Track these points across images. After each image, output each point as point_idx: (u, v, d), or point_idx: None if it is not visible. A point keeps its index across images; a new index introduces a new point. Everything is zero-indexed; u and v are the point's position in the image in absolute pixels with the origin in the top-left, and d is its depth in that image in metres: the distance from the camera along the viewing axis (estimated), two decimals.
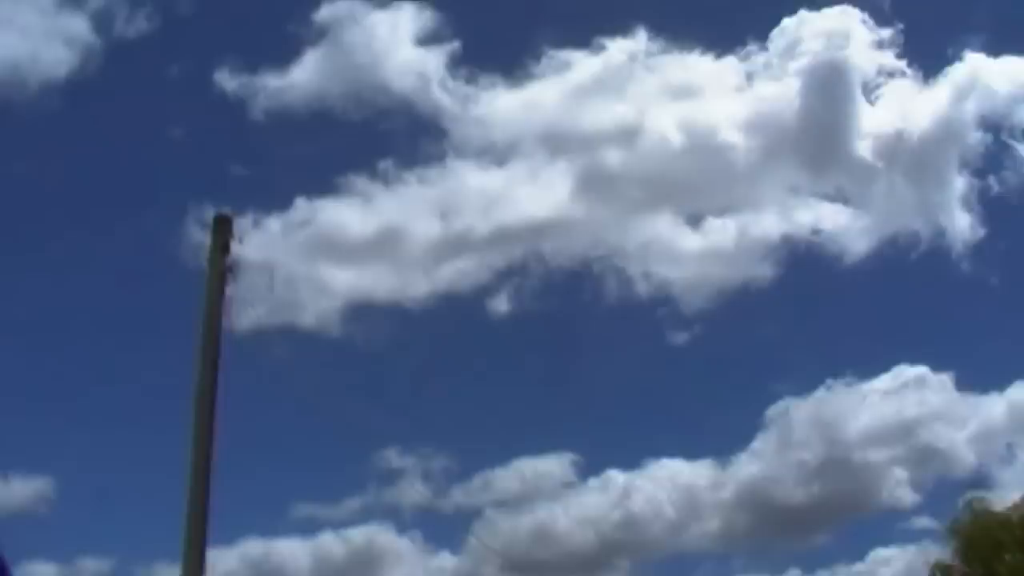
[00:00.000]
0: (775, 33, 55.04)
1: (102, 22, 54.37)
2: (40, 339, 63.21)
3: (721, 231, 62.14)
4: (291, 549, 68.97)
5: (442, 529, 75.53)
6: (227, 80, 55.35)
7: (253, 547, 64.80)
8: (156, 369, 50.40)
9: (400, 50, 60.65)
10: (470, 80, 58.74)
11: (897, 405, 58.07)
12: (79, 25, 55.44)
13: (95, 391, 64.83)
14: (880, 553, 70.63)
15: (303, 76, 57.29)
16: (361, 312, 62.67)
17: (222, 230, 14.93)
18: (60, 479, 62.32)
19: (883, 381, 61.54)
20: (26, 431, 63.56)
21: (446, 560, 68.43)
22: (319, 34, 62.66)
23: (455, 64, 59.51)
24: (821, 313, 65.81)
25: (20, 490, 66.46)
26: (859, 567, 72.36)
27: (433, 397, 67.05)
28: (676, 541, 73.78)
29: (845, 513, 70.31)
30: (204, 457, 17.04)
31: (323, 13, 57.17)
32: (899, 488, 61.84)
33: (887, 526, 75.85)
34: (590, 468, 75.52)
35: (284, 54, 60.51)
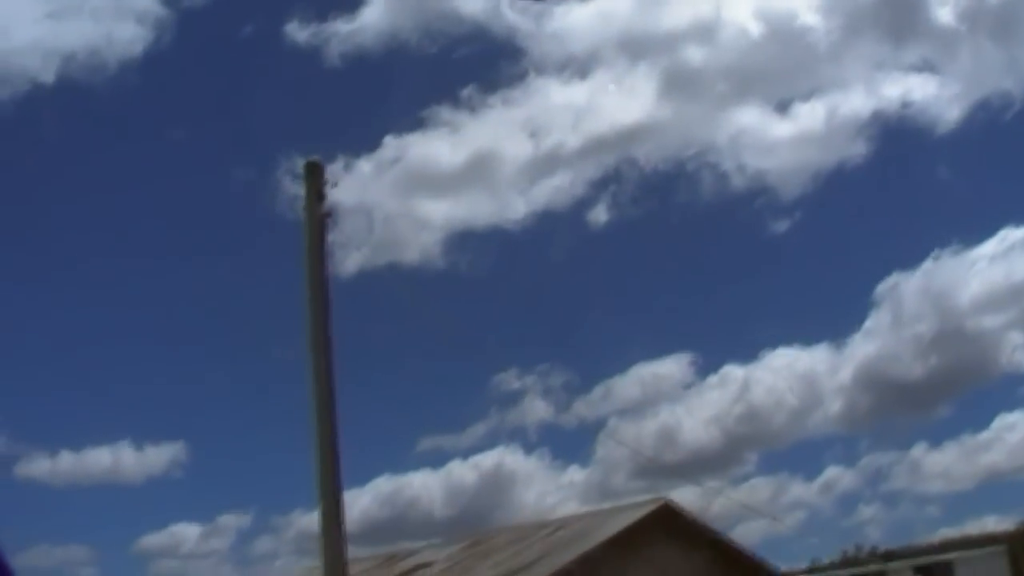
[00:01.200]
0: None
1: None
2: (155, 309, 64.92)
3: (810, 115, 61.29)
4: (423, 481, 70.27)
5: (569, 444, 76.21)
6: (298, 32, 55.77)
7: (386, 484, 66.25)
8: (270, 324, 51.57)
9: None
10: None
11: (1006, 269, 57.25)
12: (146, 2, 56.24)
13: (214, 354, 66.46)
14: (1005, 419, 69.85)
15: (373, 16, 57.47)
16: (462, 241, 63.12)
17: (314, 177, 14.92)
18: (192, 443, 64.34)
19: (990, 246, 60.63)
20: (152, 400, 65.58)
21: (576, 474, 69.38)
22: None
23: None
24: (919, 186, 64.67)
25: (156, 457, 68.63)
26: (985, 435, 71.73)
27: (544, 315, 67.55)
28: (800, 428, 73.80)
29: (965, 383, 69.62)
30: (326, 402, 17.27)
31: None
32: (1018, 352, 61.10)
33: (1009, 391, 74.94)
34: (708, 366, 75.52)
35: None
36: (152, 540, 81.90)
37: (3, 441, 68.99)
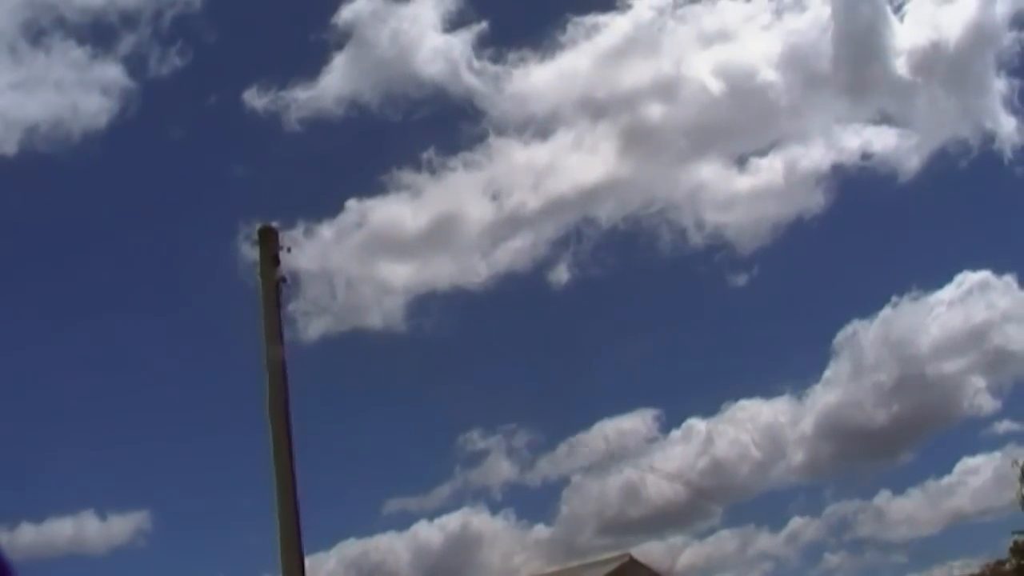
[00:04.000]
0: None
1: (135, 66, 55.23)
2: (116, 377, 64.36)
3: (769, 169, 61.88)
4: (388, 544, 69.55)
5: (534, 503, 75.66)
6: (256, 98, 55.90)
7: (351, 547, 65.49)
8: (233, 392, 51.23)
9: (426, 39, 60.76)
10: (500, 59, 58.72)
11: (965, 313, 57.73)
12: (113, 72, 56.31)
13: (177, 422, 65.81)
14: (967, 463, 69.69)
15: (334, 81, 57.57)
16: (425, 304, 63.06)
17: (269, 242, 14.98)
18: (156, 511, 63.53)
19: (948, 291, 61.27)
20: (116, 469, 64.79)
21: (541, 532, 68.95)
22: (343, 37, 62.98)
23: (483, 45, 59.46)
24: (878, 234, 65.28)
25: (120, 526, 67.66)
26: (948, 479, 71.62)
27: (507, 375, 67.40)
28: (765, 480, 73.73)
29: (927, 428, 69.72)
30: (286, 468, 17.19)
31: (344, 15, 57.64)
32: (978, 396, 61.27)
33: (971, 435, 74.74)
34: (670, 420, 75.53)
35: (313, 63, 61.05)
36: None
37: None
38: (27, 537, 62.59)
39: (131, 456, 66.51)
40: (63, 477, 65.13)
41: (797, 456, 72.35)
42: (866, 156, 57.94)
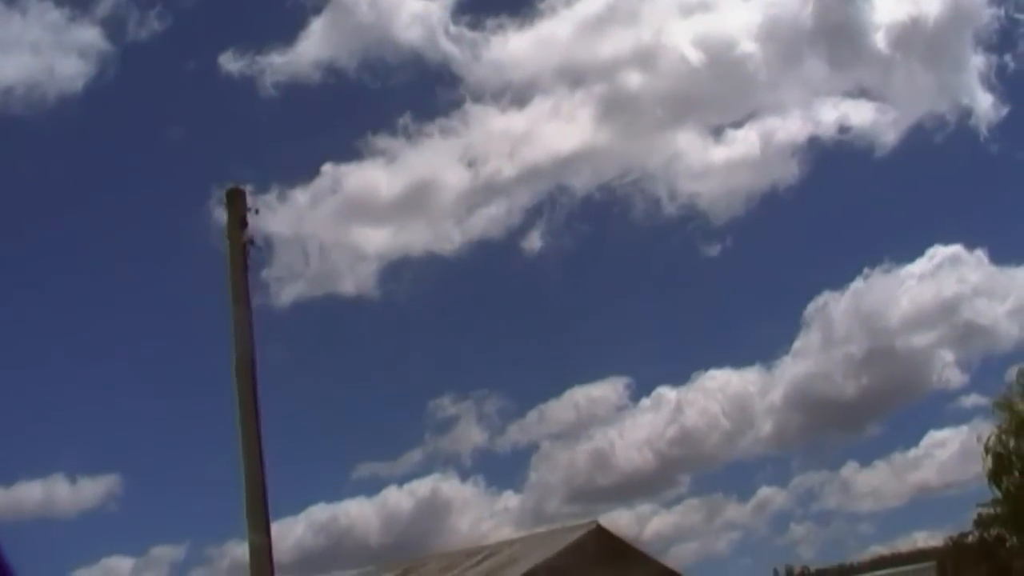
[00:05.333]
0: None
1: (112, 29, 54.66)
2: (88, 340, 64.04)
3: (745, 140, 61.99)
4: (358, 509, 69.80)
5: (503, 470, 76.16)
6: (232, 62, 55.48)
7: (320, 512, 65.72)
8: (203, 355, 51.05)
9: (404, 5, 60.47)
10: (478, 25, 58.57)
11: (935, 287, 58.10)
12: (90, 35, 55.76)
13: (147, 385, 65.68)
14: (934, 436, 70.63)
15: (310, 46, 57.25)
16: (398, 270, 63.01)
17: (236, 204, 14.81)
18: (126, 475, 63.43)
19: (919, 264, 61.67)
20: (86, 432, 64.62)
21: (511, 499, 69.35)
22: (321, 1, 62.55)
23: (461, 11, 59.43)
24: (852, 207, 65.63)
25: (90, 489, 67.51)
26: (915, 452, 72.45)
27: (479, 342, 67.57)
28: (733, 449, 74.30)
29: (895, 401, 70.54)
30: (252, 432, 17.08)
31: None
32: (946, 370, 61.83)
33: (938, 409, 75.98)
34: (641, 388, 76.00)
35: (289, 27, 60.64)
36: (85, 574, 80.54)
37: None
38: None
39: (101, 419, 66.29)
40: (33, 440, 64.90)
41: (765, 426, 72.75)
42: (843, 129, 58.04)
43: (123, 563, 79.72)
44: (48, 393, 68.05)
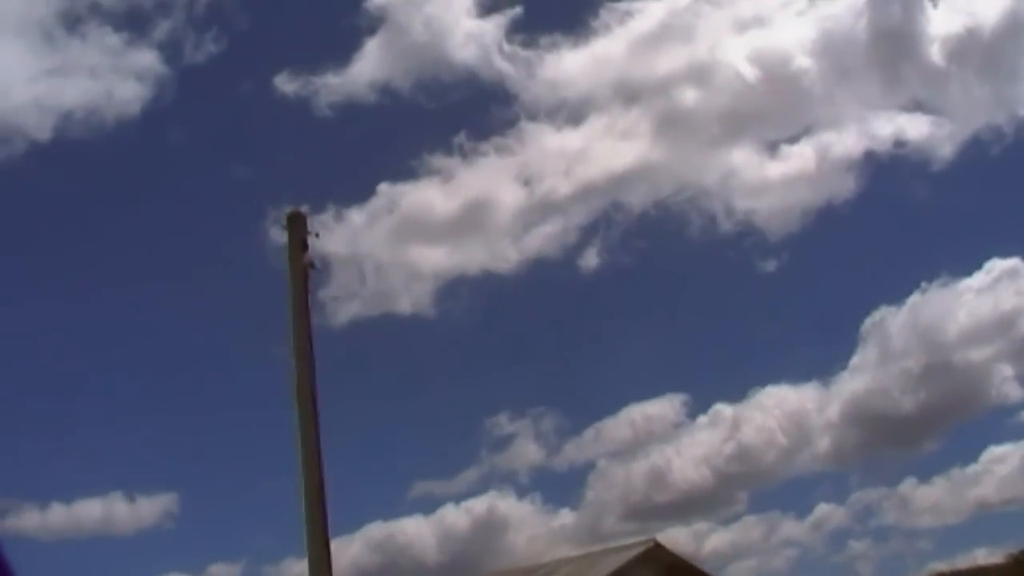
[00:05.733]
0: None
1: (170, 52, 55.50)
2: (147, 360, 64.88)
3: (801, 155, 61.72)
4: (415, 527, 69.99)
5: (560, 487, 75.99)
6: (287, 83, 56.16)
7: (377, 530, 65.99)
8: (262, 376, 51.59)
9: (459, 24, 60.77)
10: (532, 44, 58.70)
11: (993, 300, 57.40)
12: (148, 58, 56.67)
13: (206, 404, 66.37)
14: (993, 451, 69.49)
15: (365, 66, 57.75)
16: (455, 289, 63.25)
17: (297, 227, 15.07)
18: (184, 493, 64.06)
19: (977, 278, 60.95)
20: (145, 451, 65.36)
21: (567, 517, 69.20)
22: (376, 22, 63.10)
23: (515, 30, 59.51)
24: (908, 221, 64.97)
25: (148, 508, 68.21)
26: (974, 468, 71.42)
27: (535, 360, 67.64)
28: (790, 466, 73.63)
29: (953, 416, 69.51)
30: (312, 449, 17.32)
31: (376, 1, 57.77)
32: (1005, 384, 60.92)
33: (997, 424, 74.70)
34: (697, 405, 75.61)
35: (344, 48, 61.30)
36: None
37: None
38: (57, 518, 63.21)
39: (160, 439, 66.95)
40: (93, 458, 65.78)
41: (823, 443, 72.08)
42: (899, 143, 57.67)
43: None
44: (109, 412, 68.91)
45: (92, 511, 69.71)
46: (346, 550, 65.73)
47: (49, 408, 67.75)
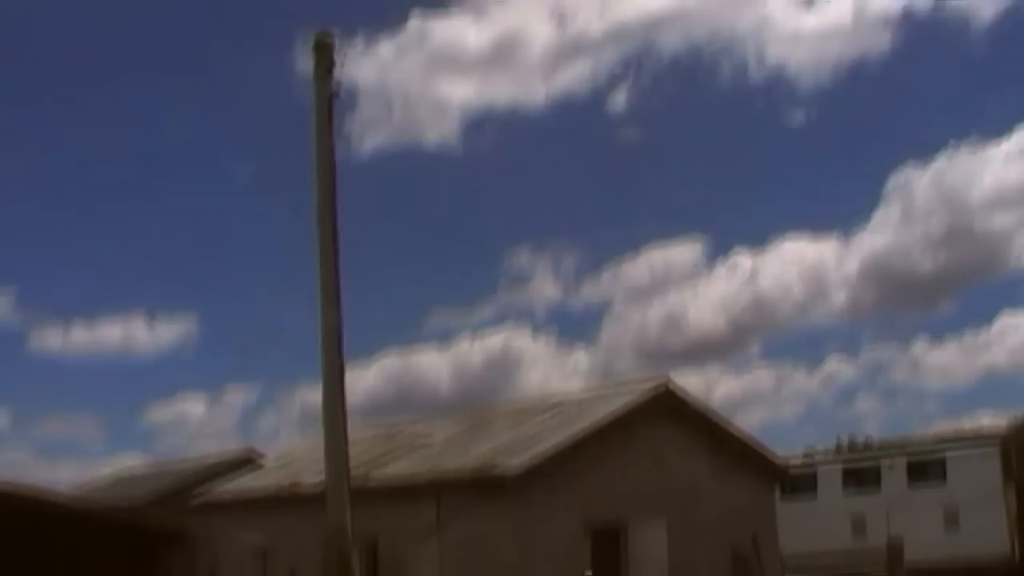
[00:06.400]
0: None
1: None
2: (172, 183, 65.13)
3: (837, 9, 60.68)
4: (429, 359, 71.14)
5: (575, 326, 76.91)
6: None
7: (392, 360, 67.15)
8: (282, 202, 51.85)
9: None
10: None
11: (1022, 168, 57.08)
12: None
13: (229, 228, 66.81)
14: (1008, 318, 70.48)
15: None
16: (482, 123, 63.10)
17: (324, 53, 14.86)
18: (204, 314, 65.10)
19: (1007, 144, 60.50)
20: (166, 272, 66.07)
21: (581, 356, 70.35)
22: None
23: None
24: (941, 81, 63.98)
25: (167, 329, 69.28)
26: (987, 333, 72.26)
27: (559, 197, 67.68)
28: (805, 318, 74.48)
29: (971, 280, 69.76)
30: (331, 275, 17.43)
31: None
32: None
33: (1014, 291, 75.36)
34: (717, 251, 76.00)
35: None
36: (159, 411, 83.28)
37: (17, 314, 69.74)
38: (79, 337, 64.42)
39: (182, 260, 67.80)
40: (115, 277, 66.70)
41: (839, 297, 72.48)
42: (939, 2, 56.68)
43: (196, 401, 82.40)
44: (132, 231, 69.61)
45: (113, 331, 71.15)
46: (361, 378, 66.83)
47: (73, 225, 68.47)
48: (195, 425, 73.85)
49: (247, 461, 28.65)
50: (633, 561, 18.50)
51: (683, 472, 20.32)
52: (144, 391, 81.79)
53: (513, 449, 18.70)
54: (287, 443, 32.31)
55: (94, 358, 68.62)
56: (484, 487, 17.71)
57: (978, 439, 38.76)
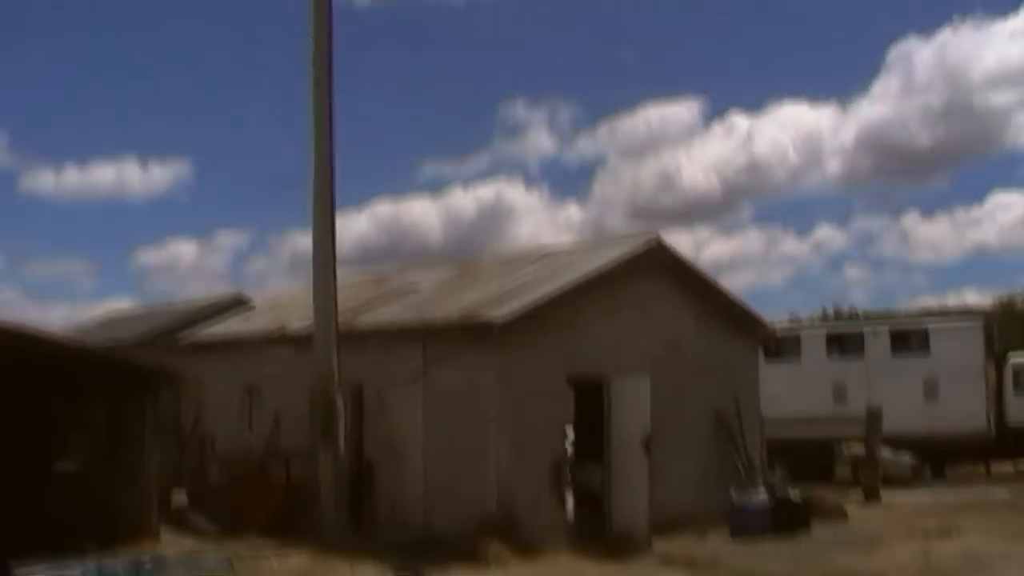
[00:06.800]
0: None
1: None
2: (166, 26, 64.14)
3: None
4: (421, 209, 71.12)
5: (568, 180, 76.91)
6: None
7: (384, 208, 67.01)
8: (280, 45, 51.27)
9: None
10: None
11: None
12: None
13: (224, 72, 66.11)
14: (1000, 197, 70.82)
15: None
16: None
17: None
18: (197, 159, 64.85)
19: (1013, 21, 59.86)
20: (161, 115, 65.47)
21: (572, 211, 70.43)
22: None
23: None
24: None
25: (160, 173, 68.92)
26: (977, 211, 72.59)
27: (559, 49, 67.21)
28: (798, 184, 74.54)
29: (967, 157, 69.99)
30: (325, 121, 17.32)
31: None
32: (1023, 133, 61.22)
33: (1008, 170, 75.63)
34: (714, 111, 75.55)
35: None
36: (150, 255, 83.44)
37: (9, 156, 69.42)
38: (71, 180, 64.08)
39: (176, 103, 67.34)
40: (109, 120, 66.14)
41: (833, 165, 72.55)
42: None
43: (187, 245, 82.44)
44: (127, 73, 68.92)
45: (105, 174, 70.87)
46: (353, 225, 66.76)
47: (65, 67, 67.75)
48: (185, 269, 74.28)
49: (236, 304, 28.72)
50: (616, 413, 18.72)
51: (669, 329, 20.46)
52: (135, 235, 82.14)
53: (501, 298, 18.76)
54: (277, 288, 32.35)
55: (86, 201, 68.66)
56: (470, 335, 17.80)
57: (963, 314, 39.08)
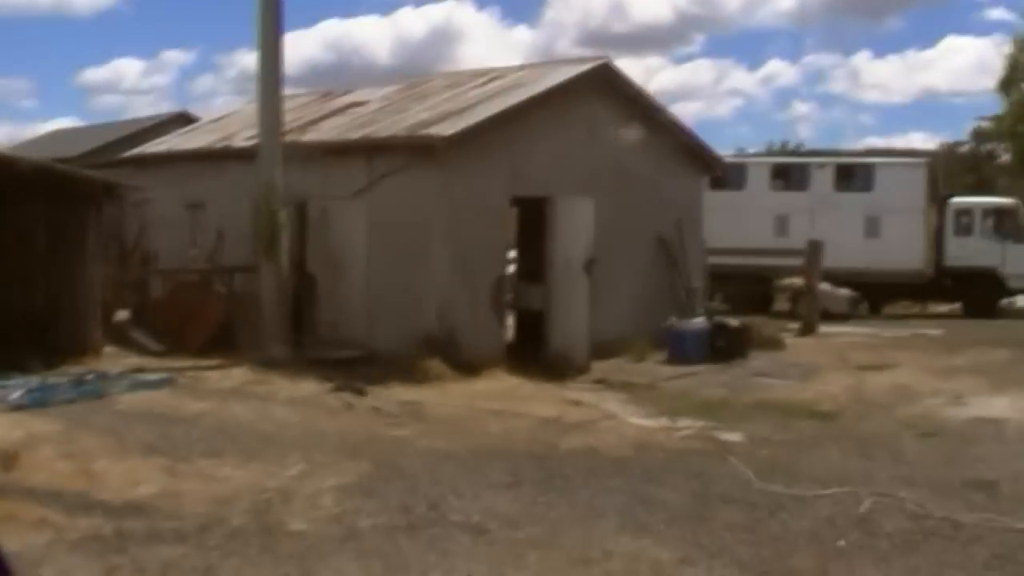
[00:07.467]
0: None
1: None
2: None
3: None
4: (371, 28, 69.74)
5: (519, 2, 75.71)
6: None
7: (332, 28, 65.72)
8: None
9: None
10: None
11: None
12: None
13: None
14: (953, 41, 70.73)
15: None
16: None
17: None
18: None
19: None
20: None
21: (523, 34, 69.50)
22: None
23: None
24: None
25: None
26: (929, 53, 72.45)
27: None
28: (751, 16, 73.80)
29: None
30: None
31: None
32: None
33: (963, 15, 75.40)
34: None
35: None
36: (94, 74, 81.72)
37: None
38: None
39: None
40: None
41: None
42: None
43: (133, 64, 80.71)
44: None
45: None
46: (300, 44, 65.50)
47: None
48: (130, 88, 72.87)
49: (182, 122, 28.41)
50: (558, 234, 18.77)
51: (615, 153, 20.40)
52: (79, 53, 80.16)
53: (447, 116, 18.61)
54: (223, 106, 31.94)
55: (27, 18, 66.67)
56: (415, 151, 17.71)
57: (908, 154, 39.33)
